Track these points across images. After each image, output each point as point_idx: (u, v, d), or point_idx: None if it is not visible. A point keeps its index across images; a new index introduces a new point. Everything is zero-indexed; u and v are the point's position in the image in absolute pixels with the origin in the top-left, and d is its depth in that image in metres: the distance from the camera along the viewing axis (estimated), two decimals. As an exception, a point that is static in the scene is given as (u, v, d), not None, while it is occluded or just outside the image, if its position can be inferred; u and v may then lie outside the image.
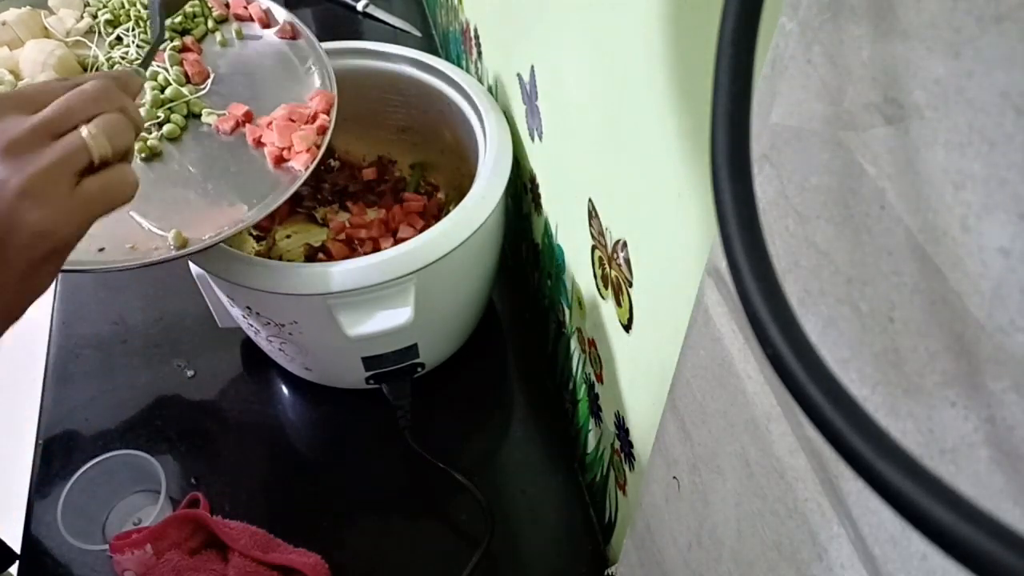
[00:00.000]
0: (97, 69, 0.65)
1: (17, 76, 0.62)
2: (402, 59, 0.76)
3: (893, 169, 0.18)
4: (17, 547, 0.68)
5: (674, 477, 0.38)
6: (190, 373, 0.78)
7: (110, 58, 0.66)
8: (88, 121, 0.41)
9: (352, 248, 0.78)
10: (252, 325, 0.68)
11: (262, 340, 0.71)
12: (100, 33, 0.67)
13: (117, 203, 0.42)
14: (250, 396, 0.77)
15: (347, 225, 0.80)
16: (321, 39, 0.72)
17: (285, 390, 0.78)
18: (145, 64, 0.54)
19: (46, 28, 0.65)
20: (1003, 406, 0.16)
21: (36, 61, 0.62)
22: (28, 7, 0.66)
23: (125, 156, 0.44)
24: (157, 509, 0.64)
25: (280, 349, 0.70)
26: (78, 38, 0.66)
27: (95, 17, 0.68)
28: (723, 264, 0.29)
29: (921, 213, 0.18)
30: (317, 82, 0.67)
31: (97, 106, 0.42)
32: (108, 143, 0.41)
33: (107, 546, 0.60)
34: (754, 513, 0.29)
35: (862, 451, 0.15)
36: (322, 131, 0.63)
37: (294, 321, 0.64)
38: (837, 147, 0.20)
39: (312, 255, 0.79)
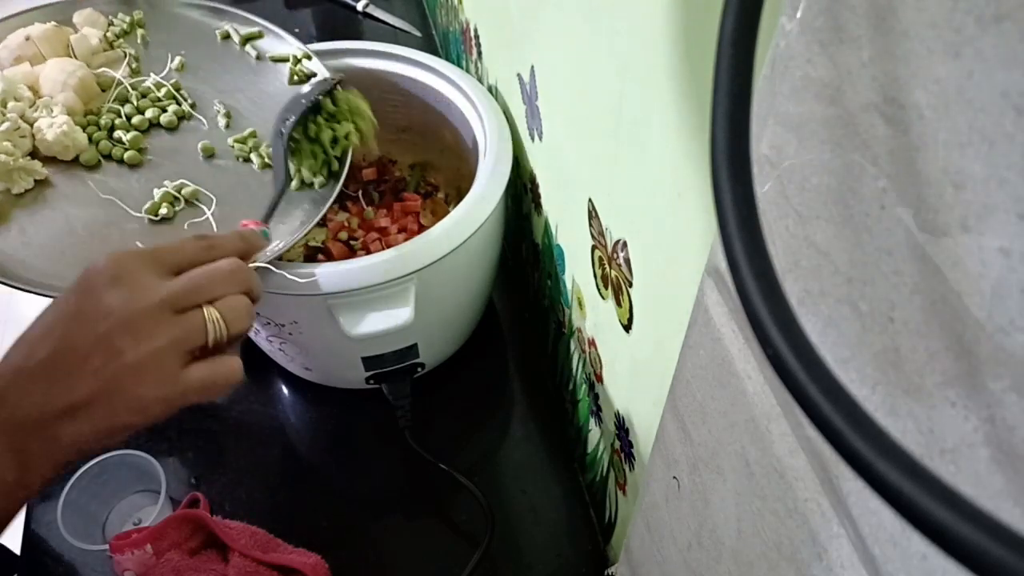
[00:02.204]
0: (118, 92, 0.64)
1: (36, 93, 0.62)
2: (402, 59, 0.76)
3: (893, 169, 0.18)
4: (17, 547, 0.68)
5: (674, 477, 0.38)
6: (190, 373, 0.78)
7: (134, 86, 0.65)
8: (212, 301, 0.42)
9: (352, 248, 0.78)
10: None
11: (262, 340, 0.71)
12: (124, 55, 0.67)
13: (215, 394, 0.42)
14: (250, 396, 0.77)
15: (346, 225, 0.80)
16: (321, 39, 0.72)
17: (285, 390, 0.78)
18: (267, 218, 0.55)
19: (68, 47, 0.65)
20: (1003, 406, 0.16)
21: (56, 80, 0.61)
22: (53, 23, 0.65)
23: (236, 341, 0.44)
24: (157, 509, 0.64)
25: (280, 349, 0.70)
26: (103, 68, 0.65)
27: (118, 37, 0.68)
28: (723, 264, 0.29)
29: (921, 213, 0.18)
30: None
31: (224, 287, 0.43)
32: (226, 328, 0.42)
33: (107, 546, 0.60)
34: (754, 513, 0.29)
35: (862, 451, 0.15)
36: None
37: (294, 321, 0.64)
38: (837, 147, 0.20)
39: (312, 255, 0.79)
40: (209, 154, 0.63)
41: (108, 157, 0.62)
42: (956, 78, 0.16)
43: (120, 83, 0.65)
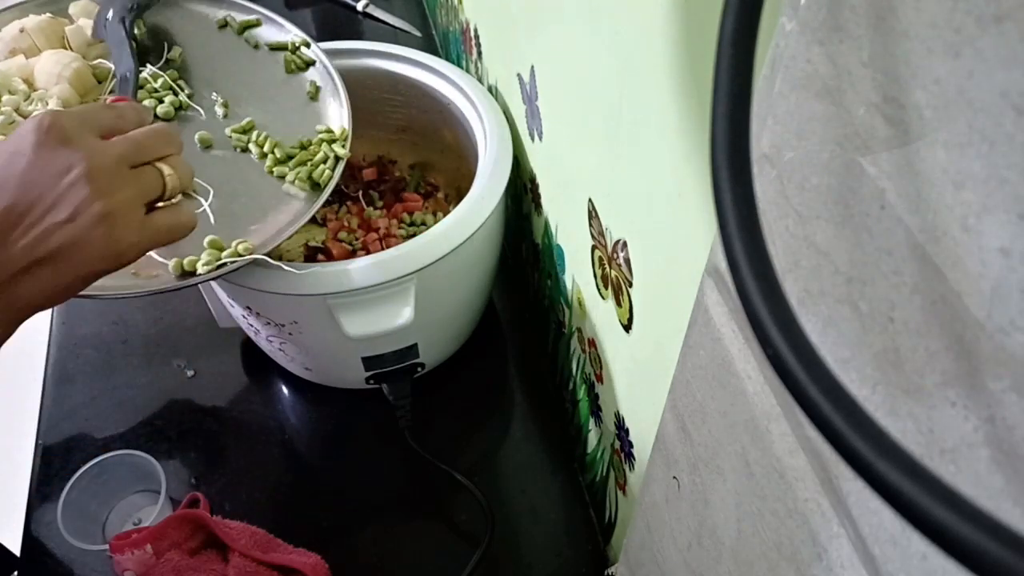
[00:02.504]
0: (113, 82, 0.64)
1: (31, 86, 0.61)
2: (402, 59, 0.76)
3: (893, 169, 0.18)
4: (17, 547, 0.68)
5: (674, 477, 0.38)
6: (190, 373, 0.78)
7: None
8: (161, 158, 0.46)
9: (352, 248, 0.78)
10: (252, 325, 0.68)
11: (262, 340, 0.71)
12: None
13: (177, 236, 0.47)
14: (250, 396, 0.77)
15: (346, 225, 0.80)
16: (321, 39, 0.72)
17: (285, 390, 0.78)
18: (133, 95, 0.58)
19: (64, 38, 0.65)
20: (1003, 406, 0.16)
21: (51, 72, 0.61)
22: (48, 15, 0.65)
23: (185, 192, 0.48)
24: (157, 509, 0.64)
25: (280, 349, 0.70)
26: (99, 60, 0.65)
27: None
28: (723, 264, 0.29)
29: (921, 213, 0.18)
30: (332, 113, 0.67)
31: (168, 147, 0.47)
32: (179, 181, 0.46)
33: (107, 546, 0.60)
34: (754, 513, 0.29)
35: (862, 451, 0.15)
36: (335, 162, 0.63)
37: (294, 321, 0.64)
38: (837, 147, 0.20)
39: (312, 255, 0.79)
40: (206, 145, 0.63)
41: None
42: (956, 78, 0.16)
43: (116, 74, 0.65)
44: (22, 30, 0.63)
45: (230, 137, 0.64)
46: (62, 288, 0.42)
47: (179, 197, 0.49)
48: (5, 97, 0.59)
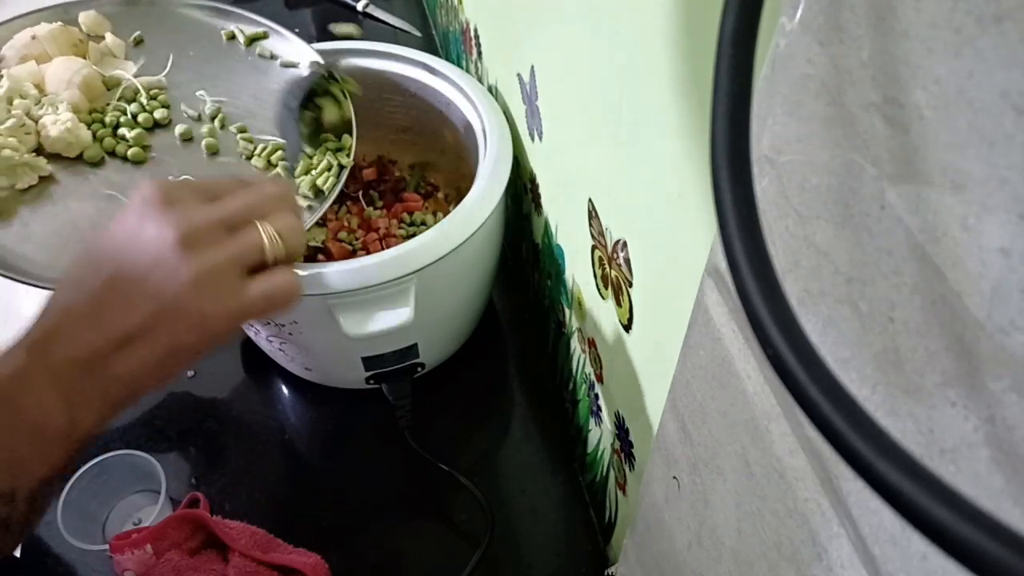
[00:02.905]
0: (124, 91, 0.65)
1: (42, 91, 0.62)
2: (402, 59, 0.76)
3: (893, 169, 0.18)
4: (17, 547, 0.68)
5: (674, 477, 0.38)
6: (190, 373, 0.78)
7: (138, 76, 0.66)
8: (264, 217, 0.42)
9: (352, 248, 0.78)
10: (252, 325, 0.68)
11: (262, 340, 0.71)
12: (127, 55, 0.68)
13: (278, 308, 0.42)
14: (250, 396, 0.77)
15: (346, 225, 0.80)
16: (321, 39, 0.72)
17: (285, 390, 0.78)
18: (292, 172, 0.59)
19: (75, 46, 0.65)
20: (1003, 406, 0.16)
21: (62, 79, 0.62)
22: (60, 23, 0.66)
23: (293, 260, 0.44)
24: (157, 509, 0.64)
25: (280, 349, 0.70)
26: (113, 71, 0.66)
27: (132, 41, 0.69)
28: (723, 264, 0.29)
29: (921, 213, 0.18)
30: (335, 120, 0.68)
31: (275, 206, 0.42)
32: (283, 245, 0.42)
33: (107, 546, 0.60)
34: (754, 513, 0.29)
35: (862, 451, 0.15)
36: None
37: (294, 321, 0.64)
38: (837, 147, 0.20)
39: (312, 255, 0.79)
40: (213, 151, 0.64)
41: (112, 154, 0.62)
42: (956, 78, 0.16)
43: (127, 82, 0.65)
44: (34, 37, 0.63)
45: (237, 141, 0.64)
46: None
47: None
48: (16, 101, 0.59)
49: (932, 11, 0.16)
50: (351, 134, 0.67)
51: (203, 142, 0.63)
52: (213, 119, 0.65)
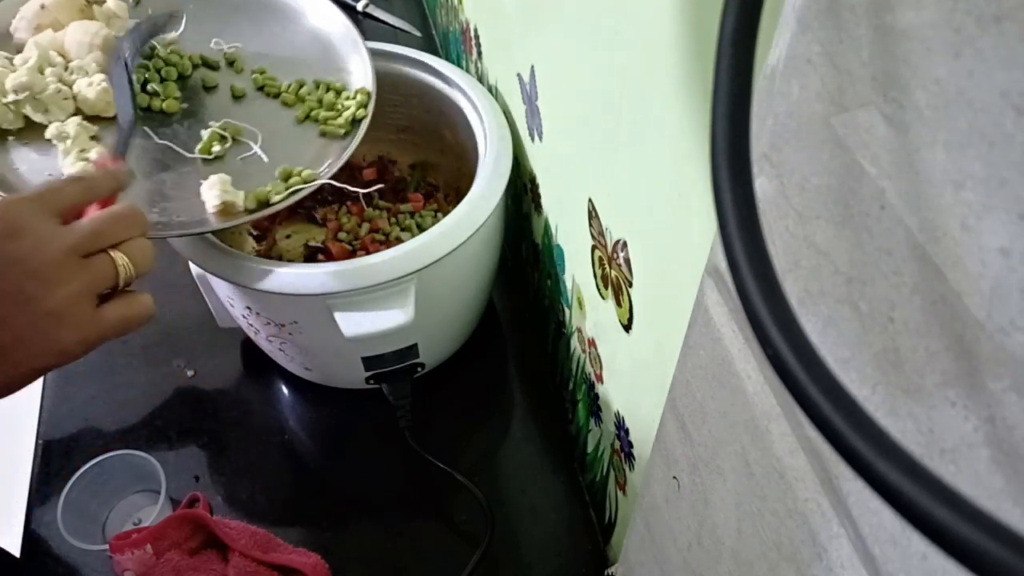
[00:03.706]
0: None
1: (66, 57, 0.62)
2: (402, 59, 0.76)
3: (893, 169, 0.18)
4: (17, 547, 0.68)
5: (674, 477, 0.38)
6: (190, 373, 0.78)
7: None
8: (116, 244, 0.43)
9: (352, 248, 0.78)
10: (252, 325, 0.68)
11: (262, 340, 0.71)
12: (129, 15, 0.68)
13: (132, 329, 0.44)
14: (250, 396, 0.77)
15: (346, 225, 0.80)
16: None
17: (285, 390, 0.78)
18: (123, 153, 0.54)
19: (81, 10, 0.65)
20: (1003, 406, 0.16)
21: (82, 42, 0.62)
22: None
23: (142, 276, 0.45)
24: (157, 509, 0.64)
25: (280, 349, 0.70)
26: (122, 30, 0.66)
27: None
28: (723, 264, 0.29)
29: (921, 213, 0.18)
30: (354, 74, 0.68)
31: (127, 231, 0.44)
32: (134, 270, 0.44)
33: (107, 546, 0.60)
34: (754, 513, 0.29)
35: (862, 451, 0.15)
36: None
37: (294, 321, 0.64)
38: (837, 147, 0.20)
39: (312, 255, 0.79)
40: (239, 95, 0.65)
41: (147, 109, 0.63)
42: (956, 78, 0.16)
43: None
44: (43, 6, 0.64)
45: (255, 79, 0.66)
46: (15, 377, 0.41)
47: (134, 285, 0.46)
48: (48, 70, 0.60)
49: (932, 11, 0.16)
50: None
51: (229, 86, 0.65)
52: (231, 64, 0.67)
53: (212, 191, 0.57)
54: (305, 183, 0.59)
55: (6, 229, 0.40)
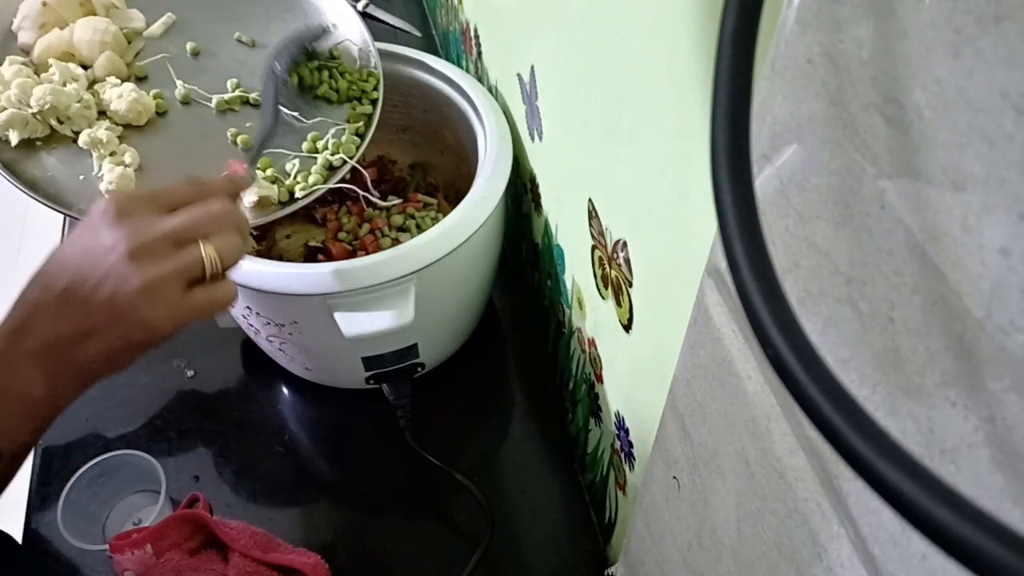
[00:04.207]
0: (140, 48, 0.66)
1: (83, 63, 0.63)
2: (402, 59, 0.76)
3: (893, 169, 0.18)
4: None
5: (674, 477, 0.38)
6: (190, 373, 0.78)
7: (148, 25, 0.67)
8: (207, 236, 0.47)
9: (352, 248, 0.78)
10: (252, 325, 0.68)
11: (262, 340, 0.71)
12: (128, 4, 0.68)
13: (216, 313, 0.48)
14: (250, 396, 0.77)
15: (345, 224, 0.80)
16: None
17: (285, 390, 0.78)
18: (254, 160, 0.58)
19: (82, 5, 0.64)
20: (1003, 406, 0.16)
21: (92, 41, 0.62)
22: None
23: (229, 271, 0.49)
24: (157, 509, 0.64)
25: (280, 349, 0.70)
26: (127, 22, 0.66)
27: None
28: (723, 264, 0.29)
29: (921, 213, 0.18)
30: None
31: (218, 225, 0.47)
32: (221, 262, 0.47)
33: (107, 546, 0.60)
34: (754, 513, 0.29)
35: (862, 451, 0.15)
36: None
37: (294, 321, 0.64)
38: (837, 147, 0.20)
39: (312, 255, 0.79)
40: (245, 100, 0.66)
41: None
42: (956, 78, 0.16)
43: (147, 32, 0.66)
44: (45, 3, 0.63)
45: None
46: (109, 355, 0.45)
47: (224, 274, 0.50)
48: (71, 86, 0.60)
49: (932, 11, 0.16)
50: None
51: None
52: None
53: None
54: (330, 166, 0.61)
55: (113, 216, 0.45)
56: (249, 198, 0.59)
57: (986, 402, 0.17)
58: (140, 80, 0.64)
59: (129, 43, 0.65)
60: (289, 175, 0.62)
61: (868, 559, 0.22)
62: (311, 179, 0.62)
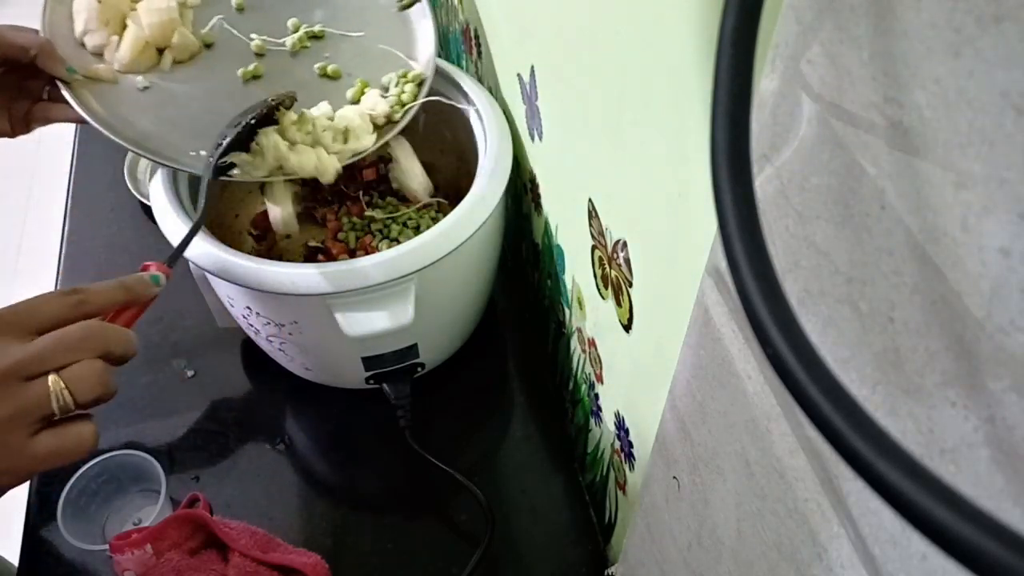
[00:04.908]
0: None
1: (157, 46, 0.64)
2: (402, 59, 0.76)
3: (893, 169, 0.18)
4: (17, 547, 0.68)
5: (674, 477, 0.38)
6: (190, 373, 0.78)
7: None
8: (60, 367, 0.40)
9: (352, 248, 0.78)
10: (252, 325, 0.68)
11: (262, 340, 0.71)
12: None
13: (65, 462, 0.41)
14: (250, 396, 0.77)
15: (345, 224, 0.80)
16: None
17: (285, 390, 0.78)
18: (172, 262, 0.51)
19: None
20: (1003, 406, 0.16)
21: (163, 23, 0.63)
22: None
23: (92, 406, 0.42)
24: (157, 509, 0.64)
25: (280, 349, 0.70)
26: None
27: None
28: (723, 264, 0.29)
29: (921, 213, 0.18)
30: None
31: (74, 354, 0.41)
32: (72, 399, 0.40)
33: (107, 546, 0.60)
34: (754, 513, 0.29)
35: (862, 451, 0.15)
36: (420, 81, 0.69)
37: (294, 321, 0.64)
38: (837, 147, 0.20)
39: (312, 255, 0.79)
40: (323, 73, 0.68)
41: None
42: (956, 78, 0.16)
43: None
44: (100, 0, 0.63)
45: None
46: None
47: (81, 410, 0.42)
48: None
49: (932, 11, 0.16)
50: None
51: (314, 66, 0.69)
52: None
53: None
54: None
55: None
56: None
57: (986, 402, 0.17)
58: (208, 47, 0.66)
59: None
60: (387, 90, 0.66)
61: (868, 559, 0.22)
62: (404, 97, 0.65)
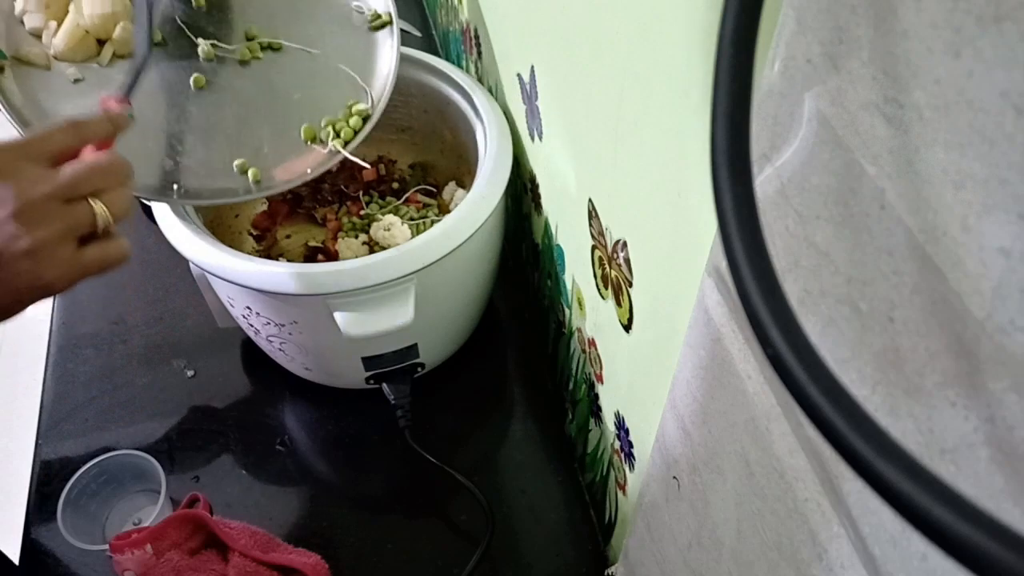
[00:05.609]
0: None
1: (98, 37, 0.62)
2: (402, 59, 0.76)
3: (893, 169, 0.18)
4: (18, 547, 0.68)
5: (674, 477, 0.38)
6: (190, 373, 0.78)
7: None
8: (97, 192, 0.46)
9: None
10: (252, 325, 0.68)
11: (262, 340, 0.71)
12: None
13: (110, 269, 0.48)
14: (250, 396, 0.77)
15: (345, 224, 0.80)
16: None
17: (285, 390, 0.78)
18: (128, 94, 0.54)
19: None
20: (1003, 406, 0.16)
21: (105, 15, 0.61)
22: None
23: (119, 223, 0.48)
24: (157, 509, 0.64)
25: (280, 349, 0.70)
26: None
27: None
28: (723, 264, 0.29)
29: (921, 213, 0.18)
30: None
31: (108, 180, 0.47)
32: (111, 218, 0.47)
33: (107, 546, 0.60)
34: (754, 513, 0.29)
35: (862, 451, 0.15)
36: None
37: (294, 321, 0.64)
38: (837, 147, 0.20)
39: (312, 255, 0.79)
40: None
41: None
42: (956, 78, 0.16)
43: None
44: None
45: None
46: (3, 308, 0.45)
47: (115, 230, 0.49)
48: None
49: (932, 11, 0.16)
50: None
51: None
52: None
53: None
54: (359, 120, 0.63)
55: None
56: None
57: (986, 402, 0.17)
58: (158, 45, 0.64)
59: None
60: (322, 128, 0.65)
61: (868, 559, 0.22)
62: (343, 133, 0.64)
